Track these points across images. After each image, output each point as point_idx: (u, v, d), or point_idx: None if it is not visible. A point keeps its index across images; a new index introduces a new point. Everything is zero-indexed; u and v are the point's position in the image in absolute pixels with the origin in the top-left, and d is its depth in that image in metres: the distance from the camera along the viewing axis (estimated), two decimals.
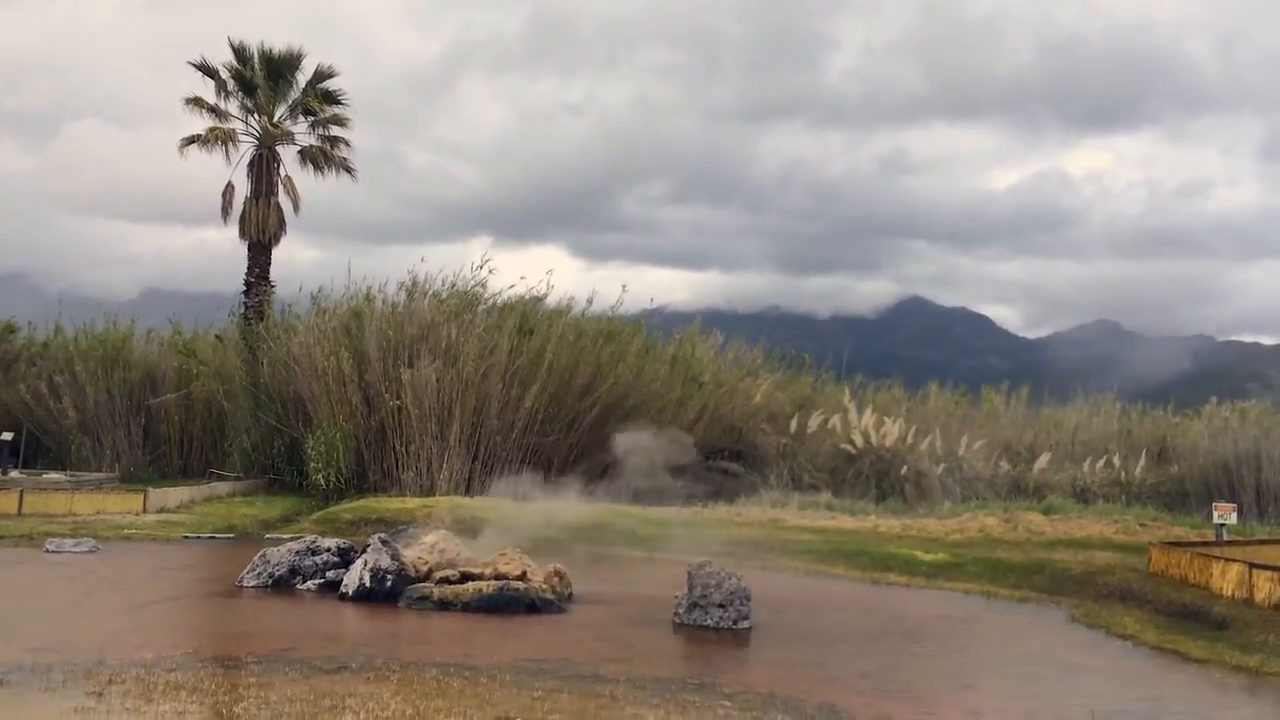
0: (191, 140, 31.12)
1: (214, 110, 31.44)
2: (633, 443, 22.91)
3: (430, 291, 28.66)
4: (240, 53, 31.24)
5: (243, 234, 31.28)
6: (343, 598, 14.45)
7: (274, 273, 31.82)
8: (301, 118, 32.14)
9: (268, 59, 31.25)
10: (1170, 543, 17.91)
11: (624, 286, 39.75)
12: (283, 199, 31.53)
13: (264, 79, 31.06)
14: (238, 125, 31.65)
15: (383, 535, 15.51)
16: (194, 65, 31.41)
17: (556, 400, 27.03)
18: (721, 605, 13.37)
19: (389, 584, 14.38)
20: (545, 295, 29.62)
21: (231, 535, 20.73)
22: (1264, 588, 14.18)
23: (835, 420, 31.98)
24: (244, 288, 31.55)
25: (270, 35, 49.34)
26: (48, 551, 17.53)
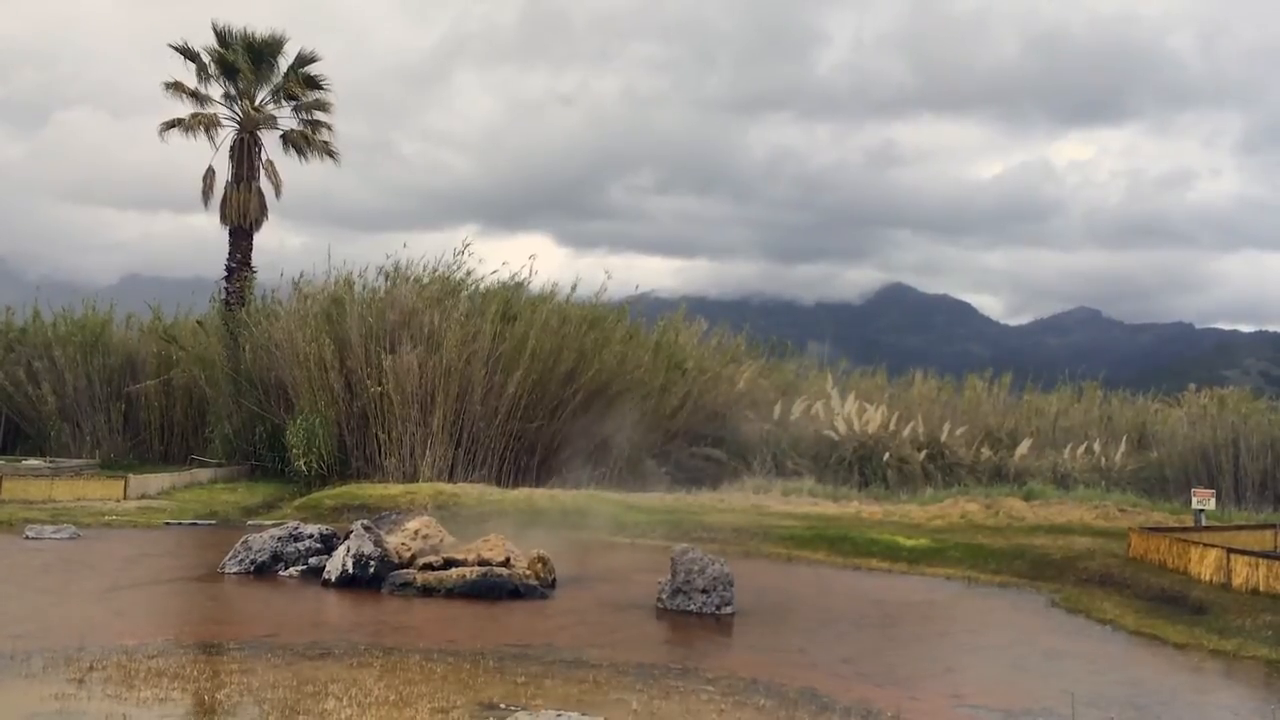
0: (172, 124, 30.81)
1: (195, 95, 31.13)
2: None
3: (412, 278, 28.53)
4: (222, 37, 30.93)
5: (224, 219, 31.01)
6: (325, 584, 14.42)
7: (261, 259, 31.59)
8: (284, 102, 31.86)
9: (249, 43, 30.93)
10: (1150, 528, 18.06)
11: (608, 273, 39.62)
12: (264, 184, 31.24)
13: (246, 63, 30.76)
14: (220, 110, 31.37)
15: (365, 521, 15.48)
16: (175, 48, 31.10)
17: (540, 387, 26.97)
18: (704, 591, 13.40)
19: (372, 570, 14.36)
20: (528, 281, 29.57)
21: (213, 522, 20.63)
22: (1242, 573, 14.32)
23: (818, 407, 32.06)
24: (225, 273, 31.29)
25: (263, 24, 49.12)
26: (27, 538, 17.42)
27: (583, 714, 8.09)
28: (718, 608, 13.32)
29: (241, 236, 31.14)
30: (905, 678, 10.46)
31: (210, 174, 31.01)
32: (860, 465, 30.40)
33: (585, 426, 27.12)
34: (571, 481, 25.33)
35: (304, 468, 25.33)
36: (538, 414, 26.94)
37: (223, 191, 30.94)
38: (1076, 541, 18.45)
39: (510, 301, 28.11)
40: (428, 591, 13.95)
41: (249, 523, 20.24)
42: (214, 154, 31.02)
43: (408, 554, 14.84)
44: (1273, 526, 19.17)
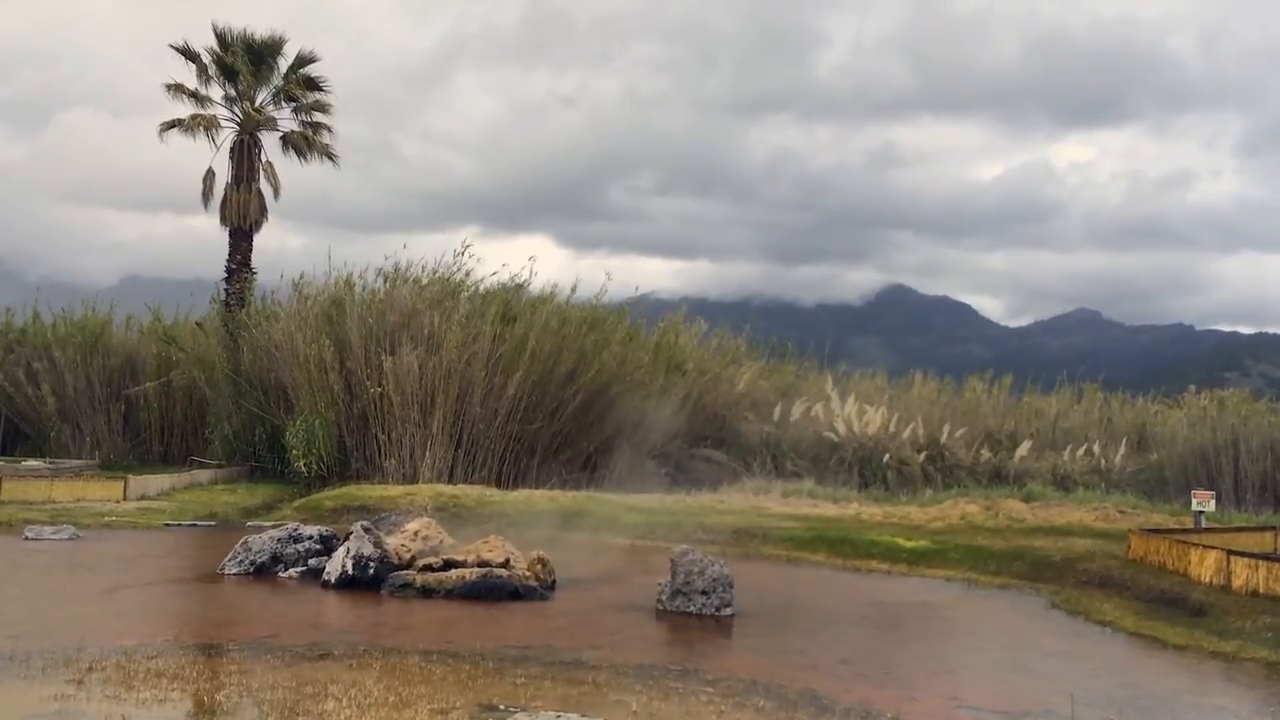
0: (172, 125, 30.81)
1: (195, 96, 31.17)
2: None
3: (412, 279, 28.54)
4: (222, 38, 30.95)
5: (224, 220, 31.02)
6: (325, 585, 14.41)
7: (261, 260, 31.59)
8: (284, 104, 31.87)
9: (249, 44, 30.95)
10: (1149, 530, 18.06)
11: (608, 275, 39.41)
12: (264, 185, 31.27)
13: (245, 64, 30.77)
14: (220, 111, 31.39)
15: (365, 522, 15.47)
16: (176, 49, 31.14)
17: (540, 388, 26.95)
18: (704, 592, 13.40)
19: (371, 571, 14.35)
20: (528, 282, 29.55)
21: (213, 523, 20.62)
22: (1241, 575, 14.32)
23: (818, 408, 32.05)
24: (225, 274, 31.31)
25: (263, 25, 48.61)
26: (27, 539, 17.41)
27: (582, 715, 8.09)
28: (717, 609, 13.31)
29: (241, 238, 31.15)
30: (905, 679, 10.45)
31: (210, 175, 31.04)
32: (860, 467, 30.38)
33: (585, 428, 27.06)
34: (571, 483, 25.32)
35: (304, 469, 25.33)
36: (537, 415, 26.92)
37: (223, 193, 30.96)
38: (1076, 543, 18.45)
39: (510, 303, 28.10)
40: (427, 593, 13.94)
41: (248, 524, 20.24)
42: (214, 155, 31.08)
43: (407, 555, 14.83)
44: (1273, 528, 19.18)
